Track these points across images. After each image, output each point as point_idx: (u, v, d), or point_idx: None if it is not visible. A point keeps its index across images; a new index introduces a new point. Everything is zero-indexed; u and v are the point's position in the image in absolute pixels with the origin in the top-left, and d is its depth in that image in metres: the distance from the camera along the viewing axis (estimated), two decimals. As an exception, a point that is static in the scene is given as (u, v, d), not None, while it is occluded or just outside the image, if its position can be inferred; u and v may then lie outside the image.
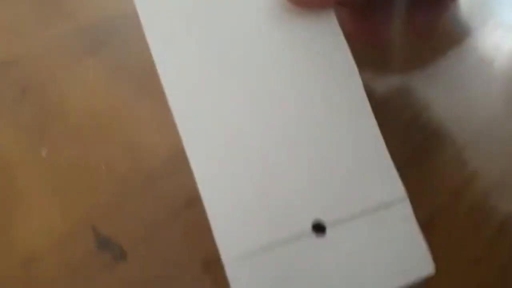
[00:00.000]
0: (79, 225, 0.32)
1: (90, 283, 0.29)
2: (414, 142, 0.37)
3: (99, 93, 0.40)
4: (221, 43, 0.31)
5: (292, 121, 0.30)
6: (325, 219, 0.28)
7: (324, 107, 0.31)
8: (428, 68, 0.42)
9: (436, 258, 0.27)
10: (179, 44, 0.30)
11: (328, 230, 0.28)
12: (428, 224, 0.31)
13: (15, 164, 0.35)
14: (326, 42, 0.32)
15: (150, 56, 0.28)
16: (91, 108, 0.39)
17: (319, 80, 0.31)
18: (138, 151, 0.36)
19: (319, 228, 0.28)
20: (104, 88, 0.40)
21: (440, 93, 0.40)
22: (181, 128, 0.29)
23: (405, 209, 0.29)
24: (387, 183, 0.30)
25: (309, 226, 0.28)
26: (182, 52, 0.30)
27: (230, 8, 0.32)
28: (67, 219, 0.32)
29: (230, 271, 0.26)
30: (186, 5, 0.31)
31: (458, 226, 0.33)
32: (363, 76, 0.39)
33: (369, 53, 0.42)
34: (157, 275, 0.29)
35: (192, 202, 0.32)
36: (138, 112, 0.39)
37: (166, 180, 0.34)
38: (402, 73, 0.42)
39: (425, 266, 0.27)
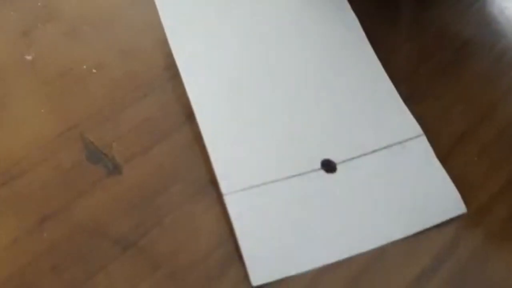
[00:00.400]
0: (68, 133, 0.29)
1: (81, 196, 0.27)
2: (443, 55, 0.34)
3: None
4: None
5: (304, 69, 0.31)
6: (336, 159, 0.27)
7: (332, 56, 0.31)
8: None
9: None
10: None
11: (339, 167, 0.27)
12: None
13: (1, 66, 0.32)
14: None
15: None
16: (82, 11, 0.35)
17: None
18: (131, 57, 0.33)
19: (329, 166, 0.27)
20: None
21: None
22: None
23: (422, 146, 0.28)
24: (400, 122, 0.29)
25: (318, 164, 0.27)
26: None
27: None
28: (55, 127, 0.29)
29: (229, 202, 0.26)
30: None
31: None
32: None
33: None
34: (155, 190, 0.27)
35: (192, 116, 0.30)
36: (133, 17, 0.35)
37: (161, 90, 0.31)
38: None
39: (455, 206, 0.27)
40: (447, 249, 0.26)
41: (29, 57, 0.33)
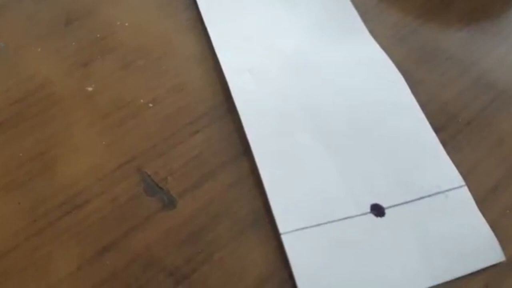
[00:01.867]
0: (126, 167, 0.32)
1: (137, 228, 0.29)
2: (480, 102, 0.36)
3: (148, 29, 0.39)
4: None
5: (350, 120, 0.33)
6: (384, 203, 0.29)
7: (376, 108, 0.34)
8: (496, 20, 0.40)
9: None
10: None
11: (387, 212, 0.29)
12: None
13: (61, 96, 0.35)
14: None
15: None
16: (140, 44, 0.38)
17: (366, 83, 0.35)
18: (183, 92, 0.35)
19: (378, 210, 0.29)
20: (153, 24, 0.39)
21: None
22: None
23: (464, 196, 0.30)
24: (443, 172, 0.31)
25: (367, 208, 0.29)
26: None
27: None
28: (114, 159, 0.32)
29: (286, 241, 0.28)
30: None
31: None
32: (428, 29, 0.38)
33: (434, 5, 0.40)
34: (206, 225, 0.30)
35: (243, 153, 0.32)
36: (184, 51, 0.37)
37: (211, 127, 0.34)
38: (469, 26, 0.40)
39: (494, 254, 0.28)
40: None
41: (90, 89, 0.35)
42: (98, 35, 0.38)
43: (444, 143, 0.33)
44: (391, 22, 0.40)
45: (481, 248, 0.29)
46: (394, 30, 0.40)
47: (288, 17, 0.39)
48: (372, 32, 0.39)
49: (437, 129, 0.34)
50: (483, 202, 0.31)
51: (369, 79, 0.35)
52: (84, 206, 0.30)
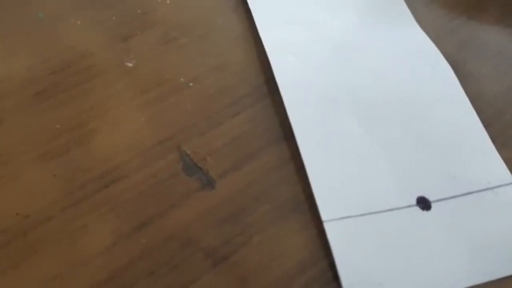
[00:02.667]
0: (165, 143, 0.31)
1: (175, 207, 0.29)
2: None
3: (190, 6, 0.38)
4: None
5: (397, 109, 0.33)
6: (431, 197, 0.28)
7: (424, 99, 0.33)
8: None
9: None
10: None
11: (433, 206, 0.28)
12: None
13: (100, 69, 0.34)
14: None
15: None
16: (178, 20, 0.37)
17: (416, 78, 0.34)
18: (225, 72, 0.35)
19: (424, 203, 0.28)
20: (196, 2, 0.38)
21: None
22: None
23: (512, 193, 0.29)
24: (492, 169, 0.30)
25: (413, 201, 0.28)
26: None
27: None
28: (153, 135, 0.32)
29: (329, 229, 0.28)
30: None
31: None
32: (478, 22, 0.37)
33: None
34: (246, 207, 0.29)
35: (285, 136, 0.32)
36: (227, 29, 0.37)
37: (253, 108, 0.33)
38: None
39: None
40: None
41: (130, 64, 0.35)
42: (139, 11, 0.38)
43: (492, 139, 0.32)
44: (440, 14, 0.39)
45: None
46: (443, 22, 0.39)
47: (335, 2, 0.38)
48: (420, 23, 0.38)
49: (485, 124, 0.33)
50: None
51: (417, 68, 0.34)
52: (121, 181, 0.30)
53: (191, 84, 0.34)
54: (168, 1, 0.39)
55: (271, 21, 0.36)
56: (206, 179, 0.30)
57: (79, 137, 0.31)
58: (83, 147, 0.31)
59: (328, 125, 0.32)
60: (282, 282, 0.27)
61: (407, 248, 0.27)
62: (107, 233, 0.28)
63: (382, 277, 0.26)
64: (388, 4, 0.38)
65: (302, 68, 0.34)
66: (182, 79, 0.34)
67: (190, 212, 0.29)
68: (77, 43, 0.36)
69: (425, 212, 0.28)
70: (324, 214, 0.28)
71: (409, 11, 0.38)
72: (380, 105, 0.33)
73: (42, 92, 0.33)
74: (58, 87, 0.33)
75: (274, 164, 0.31)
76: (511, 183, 0.30)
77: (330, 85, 0.33)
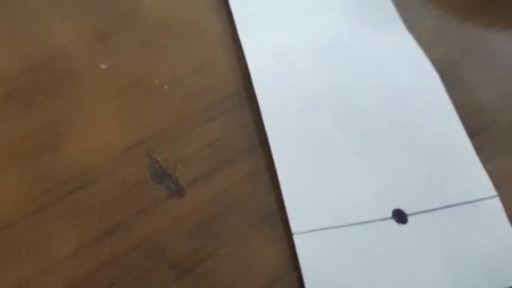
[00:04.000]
0: (135, 149, 0.31)
1: (142, 215, 0.28)
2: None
3: (170, 6, 0.38)
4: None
5: (379, 118, 0.32)
6: (408, 210, 0.28)
7: (408, 107, 0.32)
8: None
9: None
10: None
11: (410, 219, 0.28)
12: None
13: (75, 69, 0.34)
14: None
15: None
16: (159, 21, 0.37)
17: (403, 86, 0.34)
18: (203, 75, 0.34)
19: (400, 216, 0.28)
20: (176, 1, 0.38)
21: None
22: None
23: (495, 207, 0.29)
24: (475, 181, 0.30)
25: (389, 213, 0.28)
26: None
27: None
28: (124, 140, 0.31)
29: (298, 242, 0.27)
30: None
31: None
32: (470, 26, 0.37)
33: (477, 2, 0.39)
34: (216, 217, 0.29)
35: (260, 143, 0.31)
36: (208, 32, 0.36)
37: (229, 114, 0.33)
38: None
39: None
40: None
41: (103, 66, 0.34)
42: (119, 10, 0.38)
43: (478, 149, 0.31)
44: (431, 16, 0.39)
45: (511, 264, 0.27)
46: (433, 24, 0.38)
47: (319, 6, 0.37)
48: (411, 25, 0.37)
49: (472, 134, 0.32)
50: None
51: (403, 76, 0.34)
52: (88, 187, 0.29)
53: (165, 87, 0.34)
54: (148, 1, 0.38)
55: (252, 23, 0.36)
56: (175, 187, 0.30)
57: (48, 140, 0.31)
58: (51, 151, 0.31)
59: (307, 133, 0.31)
60: (250, 296, 0.26)
61: (381, 263, 0.27)
62: (71, 240, 0.28)
63: (352, 293, 0.26)
64: (375, 7, 0.38)
65: (283, 73, 0.34)
66: (157, 81, 0.34)
67: (157, 221, 0.28)
68: (53, 41, 0.35)
69: (400, 225, 0.28)
70: (294, 226, 0.27)
71: (397, 15, 0.37)
72: (363, 113, 0.32)
73: (13, 92, 0.33)
74: (29, 87, 0.33)
75: (248, 172, 0.30)
76: (493, 196, 0.29)
77: (311, 91, 0.33)
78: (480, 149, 0.31)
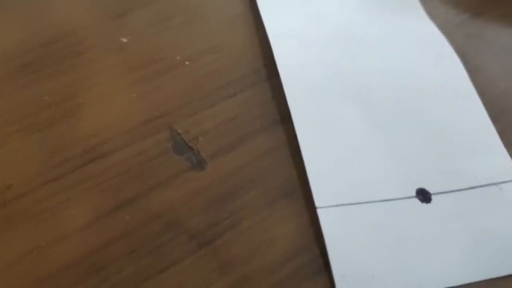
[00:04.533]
0: (156, 122, 0.31)
1: (162, 186, 0.28)
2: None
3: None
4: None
5: (402, 99, 0.32)
6: (432, 189, 0.28)
7: (430, 89, 0.32)
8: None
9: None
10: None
11: (433, 198, 0.27)
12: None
13: (93, 43, 0.34)
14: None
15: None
16: (181, 0, 0.37)
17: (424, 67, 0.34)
18: (223, 53, 0.34)
19: (424, 195, 0.27)
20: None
21: None
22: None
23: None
24: (499, 164, 0.30)
25: (413, 192, 0.27)
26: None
27: None
28: (144, 113, 0.31)
29: (322, 216, 0.27)
30: None
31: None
32: (489, 16, 0.37)
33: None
34: (237, 190, 0.28)
35: (280, 121, 0.31)
36: (227, 11, 0.36)
37: (250, 91, 0.33)
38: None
39: None
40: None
41: (124, 39, 0.34)
42: (137, -13, 0.38)
43: (500, 135, 0.31)
44: (449, 7, 0.39)
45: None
46: (452, 15, 0.38)
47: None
48: (430, 13, 0.37)
49: (493, 119, 0.32)
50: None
51: (425, 58, 0.34)
52: (107, 157, 0.29)
53: (187, 62, 0.34)
54: (169, -20, 0.38)
55: (274, 4, 0.36)
56: (196, 159, 0.29)
57: (66, 111, 0.31)
58: (70, 121, 0.30)
59: (328, 111, 0.31)
60: (269, 269, 0.26)
61: (404, 241, 0.27)
62: (89, 209, 0.27)
63: (375, 269, 0.26)
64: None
65: (305, 52, 0.34)
66: (178, 57, 0.34)
67: (178, 193, 0.28)
68: (71, 16, 0.35)
69: (424, 204, 0.28)
70: (318, 200, 0.27)
71: (418, 1, 0.37)
72: (385, 94, 0.32)
73: (31, 64, 0.33)
74: (48, 60, 0.33)
75: (269, 147, 0.30)
76: (516, 180, 0.29)
77: (333, 70, 0.33)
78: (501, 135, 0.31)
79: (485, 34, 0.37)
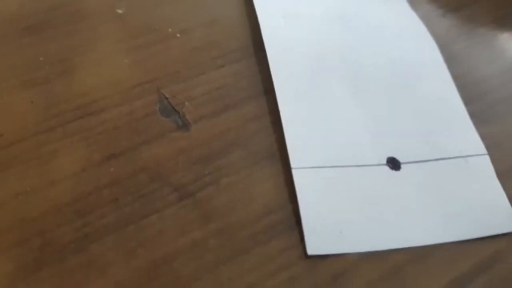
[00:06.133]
0: (145, 86, 0.32)
1: (148, 143, 0.30)
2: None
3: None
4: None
5: (379, 75, 0.34)
6: (401, 158, 0.30)
7: (407, 68, 0.35)
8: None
9: None
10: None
11: (403, 167, 0.29)
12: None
13: (91, 12, 0.36)
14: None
15: None
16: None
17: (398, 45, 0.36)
18: (215, 27, 0.36)
19: (394, 163, 0.29)
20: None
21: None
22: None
23: (485, 164, 0.30)
24: (467, 139, 0.32)
25: (383, 159, 0.29)
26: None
27: None
28: (135, 77, 0.33)
29: (297, 176, 0.29)
30: None
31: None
32: (472, 8, 0.39)
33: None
34: (219, 151, 0.30)
35: (265, 92, 0.33)
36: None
37: (238, 64, 0.34)
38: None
39: (508, 223, 0.29)
40: (489, 261, 0.28)
41: (120, 11, 0.36)
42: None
43: (472, 115, 0.33)
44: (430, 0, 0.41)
45: (496, 215, 0.29)
46: (434, 7, 0.40)
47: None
48: (413, 4, 0.39)
49: (467, 102, 0.34)
50: (503, 176, 0.31)
51: (405, 41, 0.36)
52: (98, 114, 0.31)
53: (178, 35, 0.35)
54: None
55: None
56: (182, 121, 0.31)
57: (61, 71, 0.32)
58: (64, 80, 0.32)
59: (310, 84, 0.33)
60: (246, 222, 0.28)
61: (372, 203, 0.28)
62: (76, 159, 0.29)
63: (343, 227, 0.27)
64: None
65: (291, 31, 0.35)
66: (170, 29, 0.36)
67: (162, 150, 0.30)
68: (71, -13, 0.37)
69: (393, 172, 0.29)
70: (293, 162, 0.29)
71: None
72: (365, 69, 0.34)
73: (31, 27, 0.34)
74: (47, 24, 0.35)
75: (252, 115, 0.32)
76: (483, 154, 0.31)
77: (317, 47, 0.35)
78: (473, 116, 0.33)
79: (465, 26, 0.39)
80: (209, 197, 0.28)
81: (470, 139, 0.31)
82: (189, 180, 0.29)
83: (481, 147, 0.31)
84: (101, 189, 0.28)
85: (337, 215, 0.28)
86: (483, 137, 0.32)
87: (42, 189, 0.28)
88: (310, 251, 0.26)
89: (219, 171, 0.29)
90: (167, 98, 0.32)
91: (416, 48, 0.36)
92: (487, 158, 0.31)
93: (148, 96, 0.32)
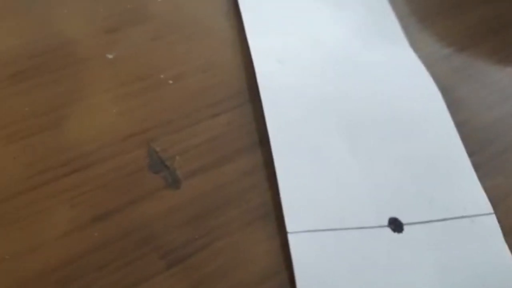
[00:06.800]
0: (135, 138, 0.31)
1: (136, 202, 0.28)
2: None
3: (182, 6, 0.39)
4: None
5: (380, 126, 0.33)
6: (404, 219, 0.28)
7: (409, 118, 0.33)
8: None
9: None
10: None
11: (405, 228, 0.28)
12: None
13: (81, 58, 0.34)
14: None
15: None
16: (169, 18, 0.37)
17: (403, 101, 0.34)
18: (209, 73, 0.35)
19: (396, 225, 0.28)
20: (188, 1, 0.39)
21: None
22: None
23: (491, 224, 0.29)
24: (472, 197, 0.30)
25: (385, 221, 0.28)
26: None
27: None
28: (124, 129, 0.31)
29: (292, 241, 0.27)
30: None
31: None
32: (473, 52, 0.38)
33: (481, 29, 0.40)
34: (211, 210, 0.28)
35: (260, 143, 0.32)
36: (217, 32, 0.37)
37: (232, 112, 0.33)
38: None
39: None
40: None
41: (110, 56, 0.35)
42: (129, 6, 0.38)
43: (476, 167, 0.32)
44: (434, 40, 0.39)
45: (502, 280, 0.27)
46: (436, 48, 0.39)
47: (328, 15, 0.38)
48: (414, 47, 0.38)
49: (470, 153, 0.32)
50: (510, 235, 0.29)
51: (406, 88, 0.34)
52: (83, 171, 0.29)
53: (170, 81, 0.34)
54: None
55: (261, 28, 0.37)
56: (172, 177, 0.30)
57: (47, 122, 0.31)
58: (50, 133, 0.31)
59: (307, 136, 0.31)
60: (237, 291, 0.26)
61: (373, 269, 0.27)
62: (59, 223, 0.27)
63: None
64: (382, 23, 0.39)
65: (287, 76, 0.34)
66: (162, 76, 0.34)
67: (151, 210, 0.28)
68: (61, 30, 0.36)
69: (396, 234, 0.28)
70: (289, 225, 0.27)
71: (402, 33, 0.38)
72: (364, 121, 0.32)
73: (18, 73, 0.33)
74: (35, 71, 0.33)
75: (246, 169, 0.31)
76: (490, 214, 0.29)
77: (314, 95, 0.33)
78: (477, 168, 0.32)
79: (468, 68, 0.38)
80: (199, 264, 0.27)
81: (476, 196, 0.30)
82: (179, 244, 0.27)
83: (487, 206, 0.30)
84: (87, 255, 0.26)
85: (337, 284, 0.26)
86: (488, 190, 0.31)
87: (21, 256, 0.26)
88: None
89: (211, 234, 0.28)
90: (157, 152, 0.31)
91: (417, 96, 0.34)
92: (493, 218, 0.29)
93: (138, 150, 0.31)
